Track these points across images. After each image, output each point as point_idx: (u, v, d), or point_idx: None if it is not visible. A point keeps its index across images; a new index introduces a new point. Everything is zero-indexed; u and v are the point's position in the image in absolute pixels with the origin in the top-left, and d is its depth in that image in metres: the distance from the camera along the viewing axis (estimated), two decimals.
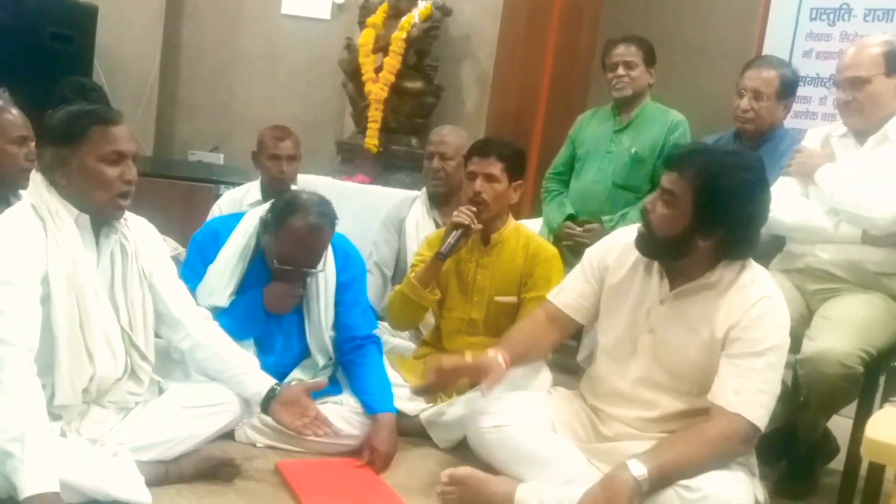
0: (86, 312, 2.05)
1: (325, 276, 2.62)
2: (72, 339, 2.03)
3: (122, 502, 1.96)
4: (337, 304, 2.66)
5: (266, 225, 2.56)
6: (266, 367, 2.39)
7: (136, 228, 2.22)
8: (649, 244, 2.18)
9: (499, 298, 2.78)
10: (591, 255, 2.39)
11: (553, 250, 2.85)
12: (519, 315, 2.74)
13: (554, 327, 2.40)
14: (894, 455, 1.71)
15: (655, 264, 2.23)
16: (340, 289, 2.66)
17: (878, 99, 2.65)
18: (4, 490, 1.87)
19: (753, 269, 2.19)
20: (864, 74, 2.64)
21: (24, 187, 2.41)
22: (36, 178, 2.11)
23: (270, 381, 2.30)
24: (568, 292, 2.39)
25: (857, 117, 2.70)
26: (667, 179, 2.13)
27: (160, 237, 2.34)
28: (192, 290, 2.49)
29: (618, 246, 2.32)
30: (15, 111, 2.42)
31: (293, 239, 2.46)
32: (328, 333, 2.65)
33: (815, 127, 3.09)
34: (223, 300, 2.55)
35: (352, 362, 2.63)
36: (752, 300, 2.12)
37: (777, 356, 2.12)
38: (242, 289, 2.59)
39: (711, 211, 2.06)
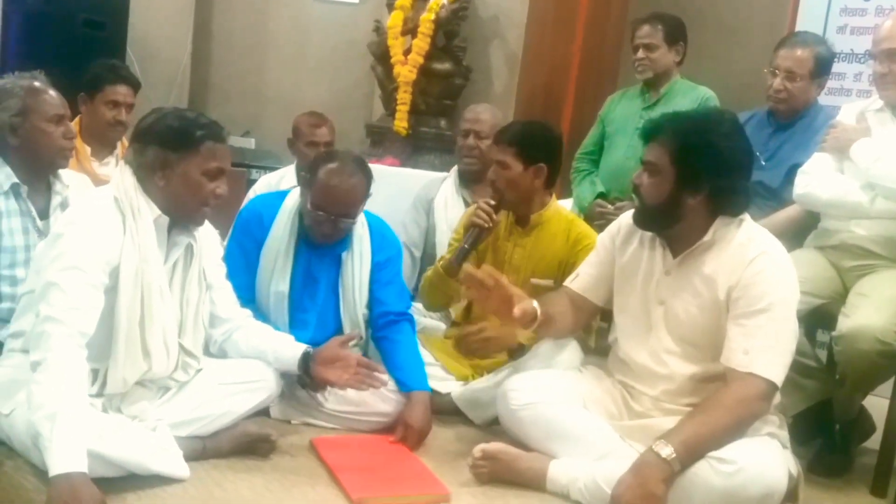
0: (149, 309, 2.09)
1: (361, 254, 2.63)
2: (130, 334, 2.07)
3: (161, 476, 1.99)
4: (372, 282, 2.66)
5: (305, 182, 2.57)
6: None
7: (202, 229, 2.26)
8: (644, 216, 2.24)
9: (535, 280, 2.74)
10: (603, 237, 2.43)
11: (595, 238, 2.75)
12: None
13: (573, 310, 2.44)
14: None
15: (658, 239, 2.26)
16: (376, 268, 2.66)
17: None
18: (43, 464, 1.89)
19: (750, 228, 2.20)
20: None
21: (62, 165, 2.47)
22: (124, 171, 2.14)
23: (304, 346, 2.33)
24: (584, 276, 2.42)
25: (894, 90, 2.65)
26: (647, 152, 2.20)
27: (214, 231, 2.38)
28: (237, 267, 2.52)
29: (624, 226, 2.36)
30: (52, 91, 2.44)
31: (327, 180, 2.47)
32: (362, 311, 2.66)
33: (849, 103, 3.04)
34: (285, 285, 2.58)
35: (385, 339, 2.64)
36: (750, 257, 2.13)
37: (782, 310, 2.11)
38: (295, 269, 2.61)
39: (691, 167, 2.12)
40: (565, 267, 2.71)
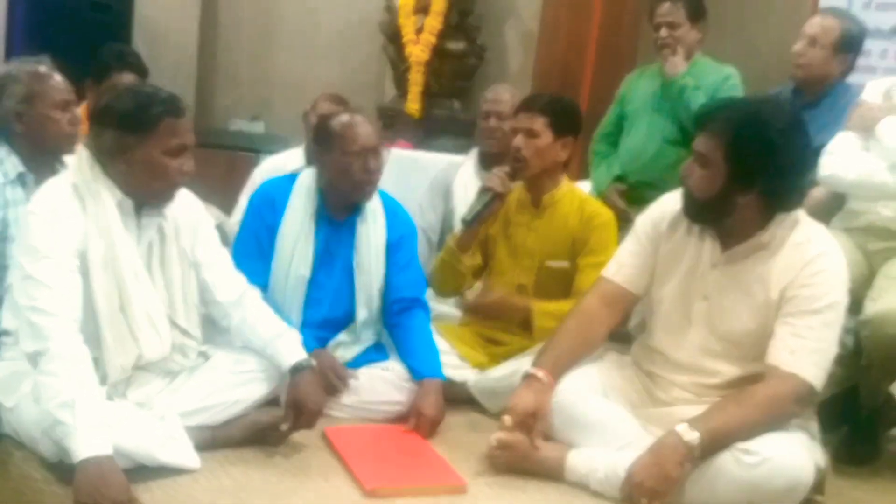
0: (126, 295, 2.07)
1: (375, 231, 2.62)
2: (113, 321, 2.05)
3: (170, 467, 1.99)
4: (388, 265, 2.65)
5: (319, 153, 2.59)
6: (315, 323, 2.46)
7: (178, 207, 2.22)
8: (693, 209, 2.17)
9: (550, 263, 2.72)
10: (644, 222, 2.34)
11: (609, 214, 2.78)
12: (575, 284, 2.67)
13: (610, 310, 2.33)
14: None
15: (707, 230, 2.20)
16: (390, 249, 2.65)
17: None
18: (55, 455, 1.92)
19: (809, 226, 2.15)
20: None
21: (69, 152, 2.44)
22: (82, 155, 2.11)
23: (294, 359, 2.25)
24: (627, 267, 2.32)
25: None
26: (697, 142, 2.13)
27: (204, 210, 2.35)
28: (250, 253, 2.52)
29: (670, 211, 2.28)
30: (58, 77, 2.43)
31: (349, 123, 2.53)
32: (376, 289, 2.63)
33: (875, 80, 3.00)
34: (306, 268, 2.57)
35: (397, 325, 2.62)
36: (808, 257, 2.08)
37: (834, 314, 2.08)
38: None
39: (744, 164, 2.04)
40: (579, 245, 2.70)
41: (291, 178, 2.69)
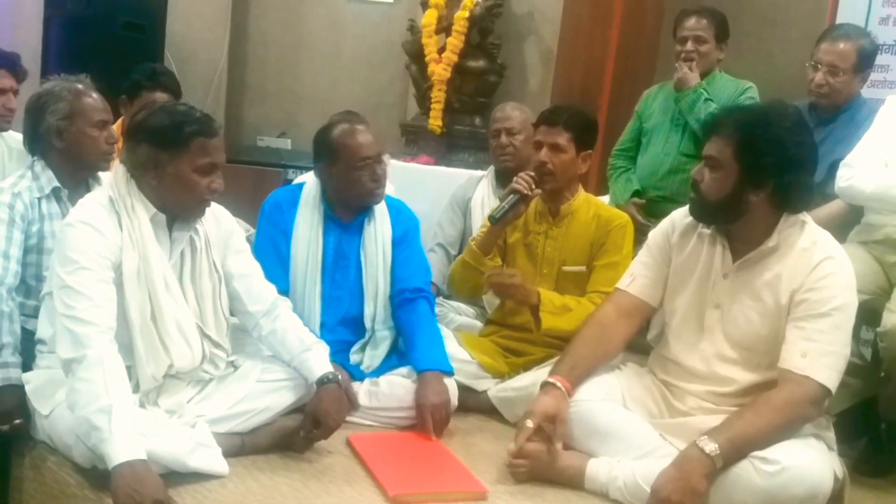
0: (158, 305, 2.09)
1: (382, 229, 2.66)
2: (145, 331, 2.08)
3: (200, 472, 2.00)
4: (393, 258, 2.68)
5: (321, 167, 2.64)
6: (335, 322, 2.54)
7: (210, 220, 2.25)
8: (704, 210, 2.18)
9: (567, 268, 2.74)
10: (656, 235, 2.36)
11: (626, 217, 2.81)
12: (589, 283, 2.70)
13: (626, 320, 2.33)
14: None
15: (718, 237, 2.21)
16: (396, 244, 2.69)
17: None
18: (88, 460, 1.94)
19: (814, 231, 2.15)
20: None
21: (104, 169, 2.49)
22: (118, 170, 2.14)
23: (321, 372, 2.26)
24: (640, 279, 2.33)
25: None
26: (708, 147, 2.15)
27: (235, 223, 2.38)
28: (269, 256, 2.55)
29: (680, 224, 2.30)
30: (96, 95, 2.46)
31: (350, 132, 2.59)
32: (384, 286, 2.65)
33: (893, 95, 2.98)
34: (317, 267, 2.60)
35: (400, 318, 2.64)
36: (815, 261, 2.09)
37: (844, 316, 2.07)
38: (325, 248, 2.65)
39: (755, 162, 2.06)
40: (597, 248, 2.72)
41: (299, 186, 2.74)
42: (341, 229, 2.66)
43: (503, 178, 3.39)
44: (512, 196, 2.67)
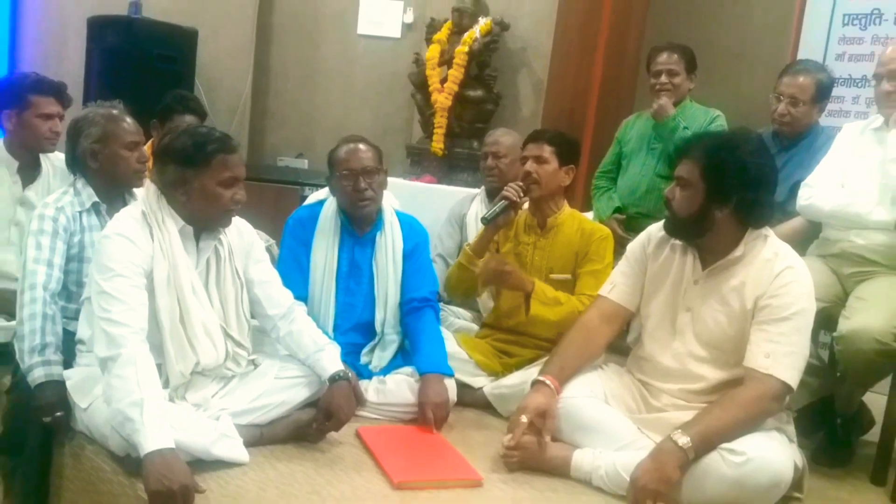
0: (185, 308, 2.09)
1: (393, 237, 2.66)
2: (174, 332, 2.08)
3: (223, 460, 2.00)
4: (404, 270, 2.67)
5: (329, 183, 2.67)
6: (347, 326, 2.54)
7: (233, 232, 2.25)
8: (676, 226, 2.19)
9: (554, 276, 2.73)
10: (634, 247, 2.37)
11: (607, 231, 2.81)
12: (576, 288, 2.68)
13: (608, 324, 2.34)
14: None
15: (689, 248, 2.21)
16: (406, 257, 2.68)
17: None
18: (122, 449, 1.94)
19: (775, 243, 2.16)
20: None
21: (136, 185, 2.48)
22: (150, 188, 2.15)
23: (333, 370, 2.26)
24: (620, 286, 2.35)
25: None
26: (679, 169, 2.16)
27: (256, 235, 2.37)
28: (291, 267, 2.55)
29: (655, 237, 2.31)
30: (129, 119, 2.46)
31: (343, 146, 2.62)
32: (394, 295, 2.64)
33: (849, 123, 2.98)
34: (332, 276, 2.60)
35: (408, 326, 2.63)
36: (777, 270, 2.09)
37: (804, 320, 2.08)
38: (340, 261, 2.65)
39: (720, 182, 2.07)
40: (580, 257, 2.72)
41: (320, 203, 2.75)
42: (354, 241, 2.66)
43: (492, 196, 3.39)
44: (503, 202, 2.68)
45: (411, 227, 2.74)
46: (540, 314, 2.60)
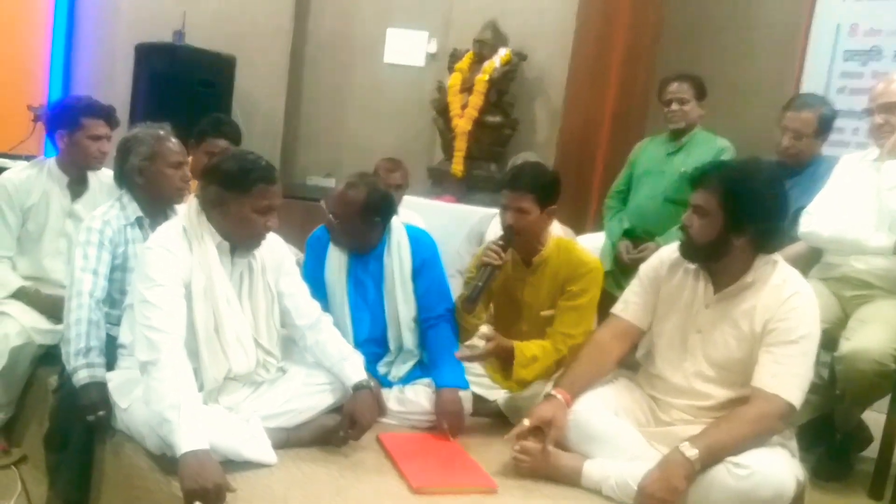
0: (220, 319, 2.10)
1: (400, 255, 2.58)
2: (209, 340, 2.09)
3: (252, 461, 2.00)
4: (415, 287, 2.60)
5: None
6: (361, 339, 2.51)
7: (266, 248, 2.25)
8: (693, 251, 2.15)
9: (544, 313, 2.60)
10: (647, 269, 2.33)
11: (594, 263, 2.56)
12: (555, 323, 2.51)
13: (619, 341, 2.30)
14: None
15: (701, 272, 2.18)
16: (416, 273, 2.59)
17: None
18: (159, 448, 1.94)
19: (784, 269, 2.13)
20: None
21: (179, 202, 2.50)
22: (192, 204, 2.16)
23: (357, 379, 2.26)
24: (632, 305, 2.30)
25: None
26: (695, 197, 2.12)
27: (287, 249, 2.38)
28: (312, 282, 2.53)
29: (668, 259, 2.28)
30: (174, 140, 2.48)
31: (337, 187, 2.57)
32: (405, 308, 2.58)
33: (848, 154, 2.97)
34: (342, 291, 2.58)
35: (425, 340, 2.60)
36: (785, 296, 2.06)
37: (810, 344, 2.04)
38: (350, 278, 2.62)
39: (737, 211, 2.04)
40: (565, 289, 2.53)
41: None
42: (356, 260, 2.61)
43: None
44: (484, 270, 2.48)
45: (419, 242, 2.65)
46: (521, 376, 2.46)
